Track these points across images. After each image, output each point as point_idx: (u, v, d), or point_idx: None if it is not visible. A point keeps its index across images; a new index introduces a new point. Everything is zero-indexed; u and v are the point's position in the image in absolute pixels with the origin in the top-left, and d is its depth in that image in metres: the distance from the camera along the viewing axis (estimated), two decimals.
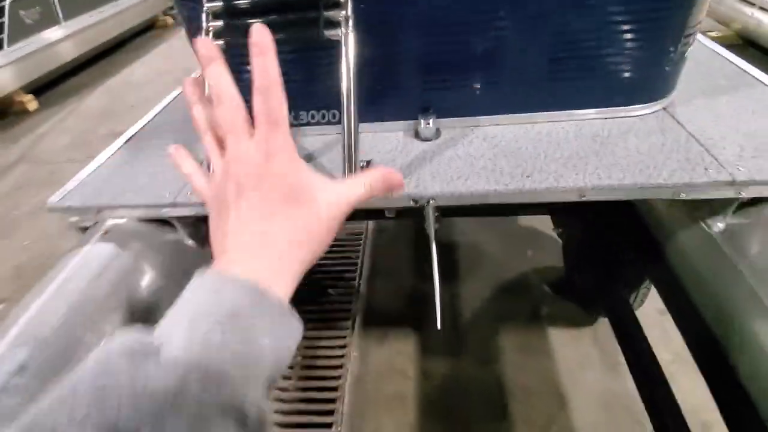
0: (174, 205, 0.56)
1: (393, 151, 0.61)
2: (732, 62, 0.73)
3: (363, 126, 0.52)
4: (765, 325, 0.46)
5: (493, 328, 1.31)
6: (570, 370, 1.19)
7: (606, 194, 0.50)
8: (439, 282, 0.52)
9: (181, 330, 0.26)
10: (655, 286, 0.84)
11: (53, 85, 3.36)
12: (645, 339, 0.81)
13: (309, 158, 0.62)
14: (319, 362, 1.17)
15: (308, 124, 0.63)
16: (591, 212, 0.93)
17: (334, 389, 1.10)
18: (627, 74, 0.59)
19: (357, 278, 1.41)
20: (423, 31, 0.57)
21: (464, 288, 1.44)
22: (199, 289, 0.28)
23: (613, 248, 0.93)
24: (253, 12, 0.53)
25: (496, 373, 1.20)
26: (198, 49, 0.34)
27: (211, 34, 0.54)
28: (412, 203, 0.53)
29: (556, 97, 0.61)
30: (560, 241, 1.28)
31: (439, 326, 0.53)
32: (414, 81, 0.61)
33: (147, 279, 0.55)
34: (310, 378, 1.14)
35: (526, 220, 1.65)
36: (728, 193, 0.50)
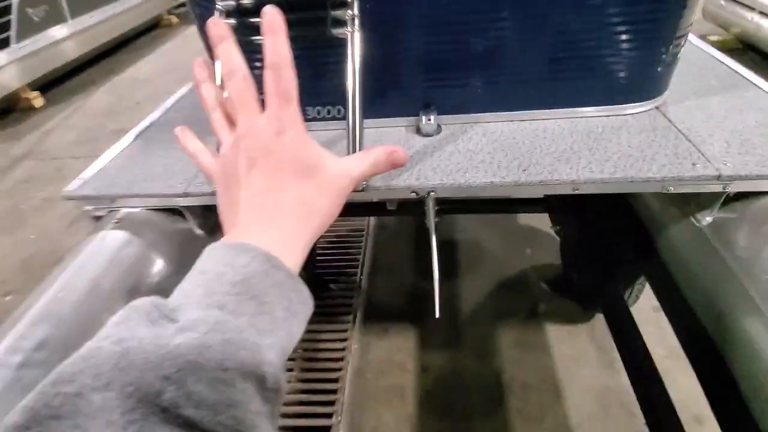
0: (186, 194, 0.58)
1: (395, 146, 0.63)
2: (723, 63, 0.75)
3: (367, 122, 0.54)
4: (752, 318, 0.48)
5: (491, 323, 1.33)
6: (566, 365, 1.21)
7: (598, 187, 0.53)
8: (439, 273, 0.54)
9: (196, 296, 0.26)
10: (648, 281, 0.86)
11: (59, 82, 3.38)
12: (639, 336, 0.82)
13: None
14: (321, 354, 1.20)
15: (315, 119, 0.65)
16: (588, 210, 0.95)
17: (335, 380, 1.13)
18: (621, 74, 0.61)
19: (358, 274, 1.43)
20: (425, 31, 0.59)
21: (464, 284, 1.46)
22: (211, 259, 0.28)
23: (609, 246, 0.95)
24: None
25: (493, 367, 1.22)
26: (210, 28, 0.35)
27: None
28: (413, 195, 0.56)
29: (553, 95, 0.63)
30: (558, 239, 1.30)
31: (437, 315, 0.54)
32: (416, 79, 0.63)
33: (158, 265, 0.58)
34: (312, 369, 1.16)
35: (525, 219, 1.67)
36: (715, 188, 0.52)
